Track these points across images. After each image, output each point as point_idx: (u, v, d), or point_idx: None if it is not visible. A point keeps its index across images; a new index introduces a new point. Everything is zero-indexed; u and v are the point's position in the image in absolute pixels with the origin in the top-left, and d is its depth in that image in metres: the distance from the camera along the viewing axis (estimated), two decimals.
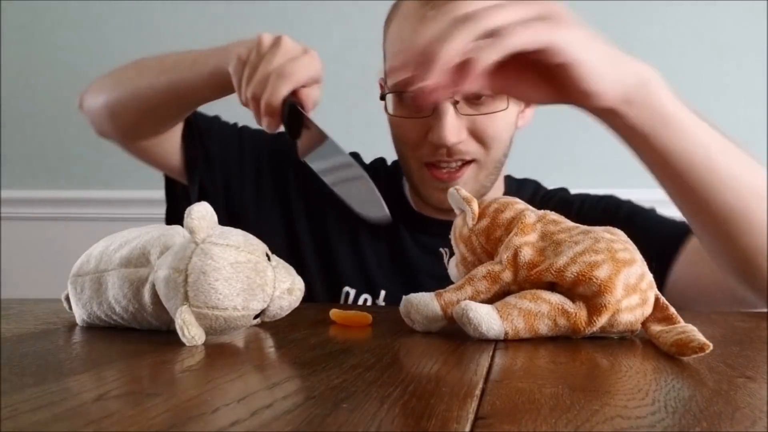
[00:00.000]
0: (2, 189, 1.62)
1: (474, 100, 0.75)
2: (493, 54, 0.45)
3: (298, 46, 0.67)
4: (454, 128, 0.74)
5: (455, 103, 0.74)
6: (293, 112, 0.61)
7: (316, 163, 0.56)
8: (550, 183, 0.95)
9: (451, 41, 0.45)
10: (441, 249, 0.56)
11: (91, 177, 1.57)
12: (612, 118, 0.55)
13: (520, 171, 0.95)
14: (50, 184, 1.61)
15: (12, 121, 1.66)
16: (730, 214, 0.60)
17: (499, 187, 0.88)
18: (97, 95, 0.88)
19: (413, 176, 0.83)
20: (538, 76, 0.52)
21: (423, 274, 0.76)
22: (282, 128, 0.63)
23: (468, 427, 0.25)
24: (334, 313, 0.55)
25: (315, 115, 0.64)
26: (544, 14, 0.48)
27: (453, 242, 0.55)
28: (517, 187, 0.92)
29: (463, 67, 0.46)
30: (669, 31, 1.42)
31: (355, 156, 0.99)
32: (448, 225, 0.56)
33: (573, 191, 0.92)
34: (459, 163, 0.78)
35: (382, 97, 0.80)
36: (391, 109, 0.80)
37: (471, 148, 0.78)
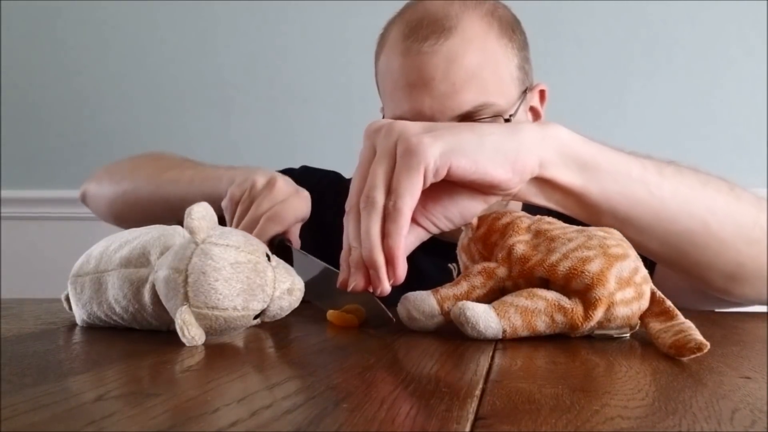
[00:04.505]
0: (2, 189, 1.62)
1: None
2: (398, 234, 0.47)
3: (290, 187, 0.68)
4: None
5: None
6: (281, 249, 0.63)
7: (314, 294, 0.58)
8: None
9: (371, 252, 0.47)
10: (450, 265, 0.56)
11: None
12: (544, 186, 0.54)
13: None
14: (50, 184, 1.62)
15: (12, 121, 1.66)
16: (693, 238, 0.58)
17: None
18: (98, 198, 0.94)
19: None
20: (463, 190, 0.51)
21: None
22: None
23: (468, 427, 0.25)
24: (331, 314, 0.55)
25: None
26: (402, 150, 0.48)
27: (457, 256, 0.55)
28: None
29: (388, 260, 0.47)
30: (669, 32, 1.42)
31: None
32: None
33: None
34: None
35: None
36: None
37: None
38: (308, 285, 0.50)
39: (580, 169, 0.54)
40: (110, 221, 0.94)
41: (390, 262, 0.47)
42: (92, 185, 0.95)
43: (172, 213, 0.80)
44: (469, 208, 0.52)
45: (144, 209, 0.85)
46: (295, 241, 0.67)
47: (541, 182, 0.53)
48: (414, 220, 0.50)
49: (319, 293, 0.57)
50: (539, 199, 0.55)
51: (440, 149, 0.47)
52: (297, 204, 0.67)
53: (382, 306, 0.52)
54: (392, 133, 0.49)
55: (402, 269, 0.47)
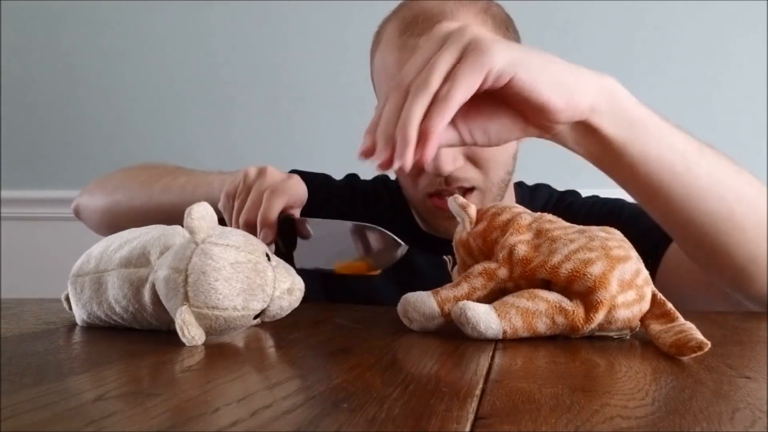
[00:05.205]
0: (2, 189, 1.62)
1: None
2: (441, 119, 0.46)
3: (283, 173, 0.69)
4: (448, 156, 0.74)
5: None
6: (286, 225, 0.63)
7: (323, 258, 0.57)
8: (562, 185, 0.95)
9: (406, 125, 0.46)
10: (444, 257, 0.56)
11: (91, 177, 1.57)
12: (587, 133, 0.54)
13: (531, 174, 0.95)
14: (50, 184, 1.62)
15: (12, 121, 1.66)
16: (717, 223, 0.59)
17: (511, 196, 0.88)
18: (91, 210, 0.94)
19: (418, 207, 0.83)
20: (509, 111, 0.52)
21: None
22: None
23: (468, 427, 0.25)
24: (339, 266, 0.55)
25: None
26: (472, 47, 0.48)
27: (454, 248, 0.55)
28: (531, 193, 0.92)
29: (421, 138, 0.47)
30: (669, 32, 1.42)
31: (354, 177, 0.99)
32: None
33: (584, 193, 0.92)
34: (461, 191, 0.78)
35: None
36: None
37: (469, 174, 0.77)
38: (317, 250, 0.49)
39: (628, 125, 0.54)
40: (103, 233, 0.94)
41: (423, 140, 0.46)
42: (84, 198, 0.95)
43: (166, 221, 0.81)
44: (507, 130, 0.52)
45: (137, 218, 0.85)
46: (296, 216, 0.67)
47: (586, 128, 0.53)
48: (452, 123, 0.50)
49: (328, 255, 0.57)
50: (577, 147, 0.55)
51: (509, 58, 0.47)
52: (294, 183, 0.67)
53: (390, 234, 0.51)
54: (466, 32, 0.48)
55: (431, 150, 0.47)
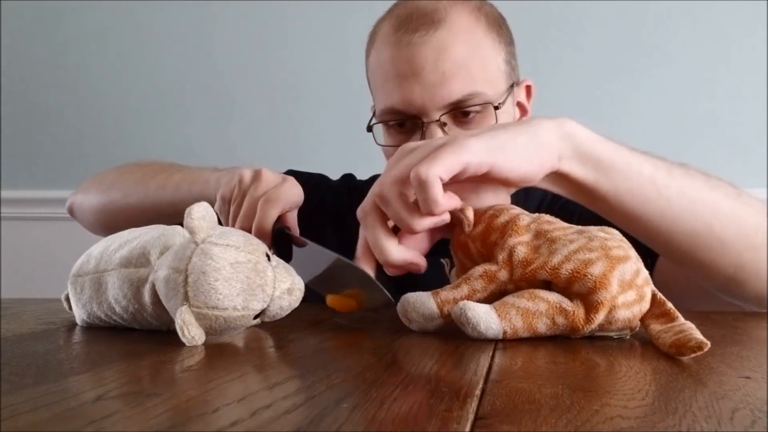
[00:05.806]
0: (2, 189, 1.62)
1: (462, 119, 0.76)
2: (433, 202, 0.48)
3: (278, 176, 0.69)
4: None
5: (443, 125, 0.75)
6: (281, 236, 0.63)
7: (313, 280, 0.58)
8: None
9: (412, 226, 0.49)
10: (442, 260, 0.56)
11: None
12: (558, 179, 0.56)
13: None
14: (50, 184, 1.62)
15: (12, 121, 1.66)
16: (696, 239, 0.60)
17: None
18: (86, 208, 0.93)
19: None
20: (489, 183, 0.55)
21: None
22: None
23: (468, 427, 0.25)
24: (330, 299, 0.55)
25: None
26: (447, 143, 0.50)
27: (452, 251, 0.55)
28: (525, 193, 0.92)
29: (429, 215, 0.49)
30: (669, 32, 1.42)
31: (350, 177, 0.99)
32: None
33: None
34: None
35: (369, 129, 0.81)
36: (380, 140, 0.81)
37: None
38: (308, 271, 0.49)
39: (594, 164, 0.56)
40: (98, 231, 0.93)
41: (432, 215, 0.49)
42: (79, 197, 0.95)
43: (162, 219, 0.81)
44: (493, 201, 0.55)
45: (133, 216, 0.85)
46: (294, 226, 0.66)
47: (557, 176, 0.56)
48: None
49: (318, 279, 0.57)
50: (553, 189, 0.57)
51: (484, 148, 0.50)
52: (289, 187, 0.67)
53: (382, 288, 0.51)
54: (433, 141, 0.51)
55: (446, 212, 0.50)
